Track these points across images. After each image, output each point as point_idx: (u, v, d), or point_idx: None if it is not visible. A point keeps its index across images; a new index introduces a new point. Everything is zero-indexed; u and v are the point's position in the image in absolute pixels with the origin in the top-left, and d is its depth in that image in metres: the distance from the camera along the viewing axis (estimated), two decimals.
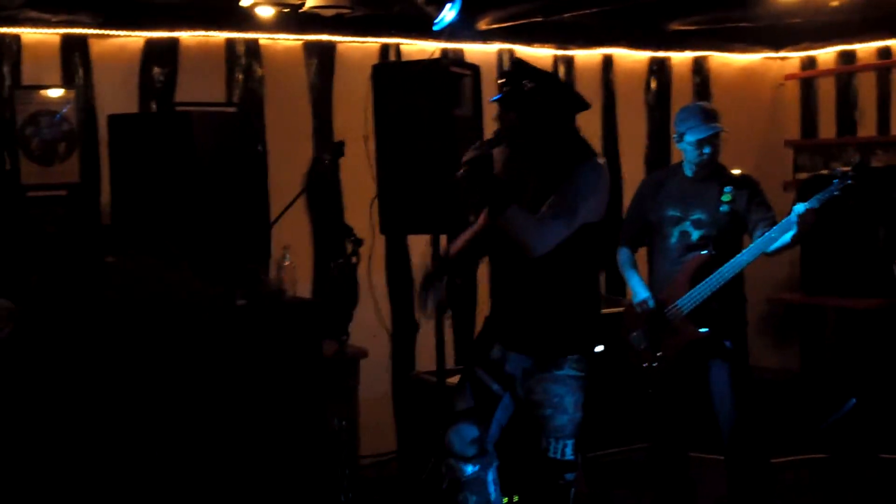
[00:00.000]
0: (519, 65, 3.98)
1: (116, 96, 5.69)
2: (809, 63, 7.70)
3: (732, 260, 4.79)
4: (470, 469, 3.95)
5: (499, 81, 3.92)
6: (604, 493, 5.56)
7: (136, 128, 5.24)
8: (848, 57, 7.43)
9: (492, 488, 3.98)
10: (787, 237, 4.67)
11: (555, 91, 3.91)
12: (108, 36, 5.71)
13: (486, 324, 4.16)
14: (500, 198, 3.72)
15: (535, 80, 3.84)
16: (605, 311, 6.08)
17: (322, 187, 6.04)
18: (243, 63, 6.09)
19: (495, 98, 3.93)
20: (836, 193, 4.69)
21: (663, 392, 5.07)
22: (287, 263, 5.25)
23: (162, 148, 5.01)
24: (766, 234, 4.72)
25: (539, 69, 4.00)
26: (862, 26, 7.02)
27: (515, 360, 3.99)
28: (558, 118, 3.90)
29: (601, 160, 3.96)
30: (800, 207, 4.60)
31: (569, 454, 3.93)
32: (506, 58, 6.82)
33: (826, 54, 7.56)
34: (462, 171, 3.73)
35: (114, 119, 5.24)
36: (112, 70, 5.73)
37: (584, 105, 3.97)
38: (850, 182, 4.70)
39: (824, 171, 7.18)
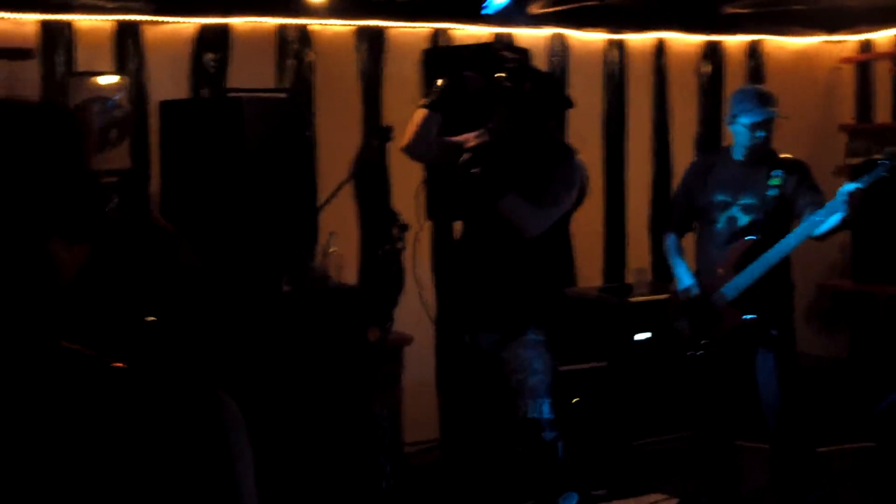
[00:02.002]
0: (523, 65, 4.39)
1: (168, 83, 5.74)
2: (866, 46, 7.59)
3: (778, 244, 4.74)
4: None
5: (500, 75, 4.25)
6: (644, 482, 5.58)
7: (186, 114, 5.31)
8: None
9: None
10: (836, 219, 4.57)
11: (550, 93, 4.34)
12: (161, 22, 5.77)
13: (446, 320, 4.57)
14: (502, 184, 4.14)
15: (534, 83, 4.24)
16: (651, 297, 6.14)
17: (369, 173, 6.07)
18: (294, 49, 6.12)
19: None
20: (883, 174, 4.62)
21: (708, 379, 5.05)
22: (333, 250, 5.29)
23: (212, 134, 5.08)
24: (811, 217, 4.67)
25: (539, 70, 4.56)
26: None
27: (485, 338, 4.38)
28: (547, 118, 4.36)
29: (578, 156, 4.43)
30: (848, 187, 4.53)
31: (546, 412, 4.26)
32: (557, 43, 6.80)
33: (883, 37, 7.45)
34: (466, 157, 4.19)
35: (165, 105, 5.31)
36: (164, 56, 5.78)
37: (568, 104, 4.52)
38: None
39: (877, 156, 7.09)
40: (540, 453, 4.26)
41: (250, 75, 5.86)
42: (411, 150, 4.44)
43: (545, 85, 4.34)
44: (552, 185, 4.24)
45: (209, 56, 5.90)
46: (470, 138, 4.35)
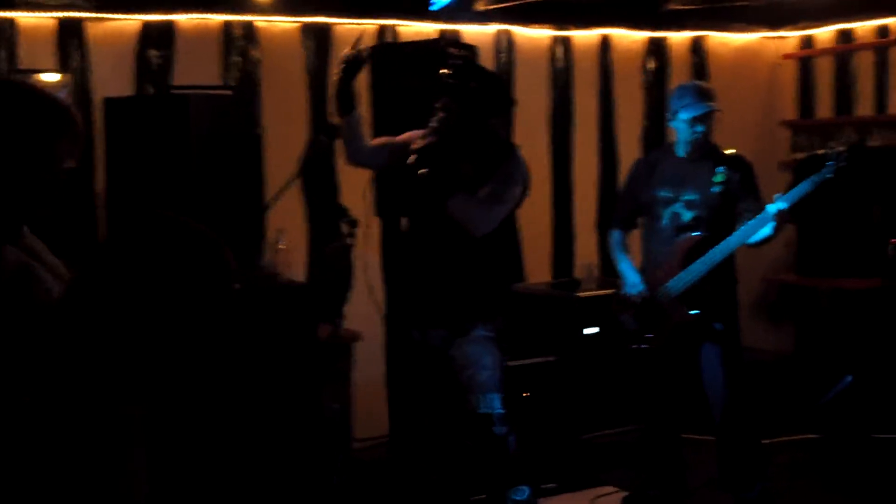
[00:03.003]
0: (468, 63, 4.41)
1: (112, 80, 5.68)
2: (807, 42, 7.68)
3: (721, 243, 4.80)
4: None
5: (445, 72, 4.27)
6: (593, 475, 5.62)
7: (132, 111, 5.26)
8: (846, 36, 7.41)
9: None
10: (767, 231, 4.71)
11: (494, 92, 4.34)
12: (105, 19, 5.70)
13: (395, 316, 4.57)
14: (447, 184, 4.15)
15: (479, 82, 4.26)
16: (599, 292, 6.19)
17: (317, 169, 6.06)
18: (240, 46, 6.08)
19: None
20: (828, 176, 4.72)
21: (654, 374, 5.09)
22: (282, 246, 5.27)
23: (158, 131, 5.04)
24: (743, 227, 4.76)
25: (484, 69, 4.56)
26: (860, 5, 7.01)
27: (434, 334, 4.38)
28: (492, 115, 4.34)
29: (519, 151, 4.43)
30: (772, 208, 4.63)
31: (497, 407, 4.27)
32: (503, 39, 6.82)
33: (824, 33, 7.54)
34: (413, 158, 4.16)
35: (110, 102, 5.26)
36: (108, 54, 5.72)
37: (511, 104, 4.58)
38: (844, 164, 4.72)
39: (820, 151, 7.16)
40: (491, 448, 4.28)
41: (195, 72, 5.82)
42: (351, 161, 4.49)
43: (490, 83, 4.35)
44: (496, 182, 4.26)
45: (153, 53, 5.85)
46: (415, 138, 4.32)
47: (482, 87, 4.26)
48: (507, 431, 4.28)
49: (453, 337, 4.33)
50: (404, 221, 4.61)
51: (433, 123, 4.25)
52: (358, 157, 4.44)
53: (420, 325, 4.43)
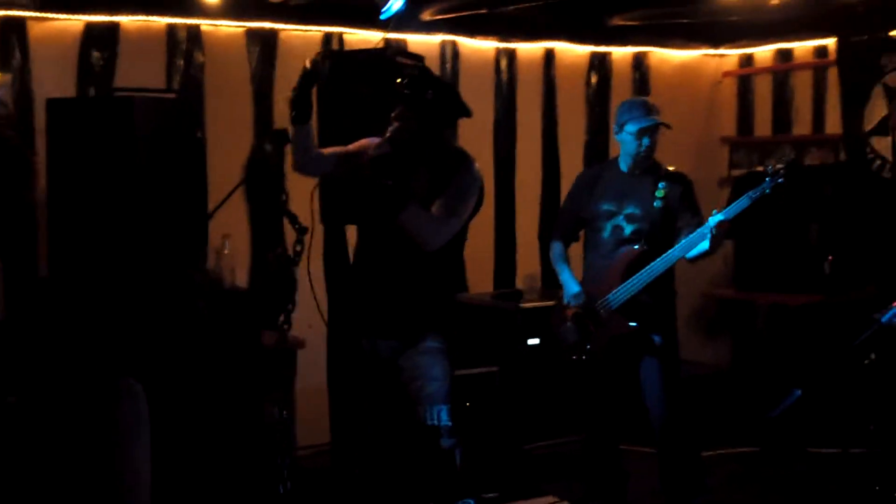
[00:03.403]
0: (424, 73, 4.33)
1: (54, 81, 5.61)
2: (747, 61, 7.80)
3: (662, 257, 4.85)
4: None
5: (401, 82, 4.21)
6: (535, 485, 5.63)
7: (75, 113, 5.19)
8: (785, 55, 7.54)
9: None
10: (705, 245, 4.77)
11: (449, 102, 4.29)
12: (47, 19, 5.63)
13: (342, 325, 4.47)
14: (401, 196, 4.06)
15: (435, 91, 4.20)
16: (541, 303, 6.21)
17: (263, 176, 6.02)
18: (184, 49, 6.04)
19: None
20: (767, 192, 4.79)
21: (594, 385, 5.12)
22: (226, 252, 5.23)
23: (101, 133, 4.97)
24: (682, 241, 4.81)
25: (439, 80, 4.63)
26: (799, 25, 7.12)
27: (384, 345, 4.29)
28: (446, 126, 4.30)
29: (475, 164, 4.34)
30: (712, 221, 4.68)
31: (444, 419, 4.22)
32: (448, 49, 6.84)
33: (763, 52, 7.67)
34: (367, 171, 4.15)
35: (52, 103, 5.18)
36: (50, 54, 5.65)
37: (467, 113, 4.37)
38: (781, 181, 4.79)
39: (759, 168, 7.27)
40: (438, 460, 4.25)
41: (139, 75, 5.75)
42: (300, 169, 4.41)
43: (445, 93, 4.30)
44: (450, 196, 4.17)
45: (96, 54, 5.79)
46: (368, 147, 4.29)
47: (438, 96, 4.20)
48: (454, 444, 4.25)
49: (404, 348, 4.26)
50: (352, 231, 4.57)
51: (388, 134, 4.21)
52: (307, 166, 4.38)
53: (370, 334, 4.34)
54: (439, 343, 4.27)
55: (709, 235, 4.70)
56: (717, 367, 7.15)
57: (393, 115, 4.21)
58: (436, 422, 4.20)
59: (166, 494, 4.12)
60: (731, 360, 7.57)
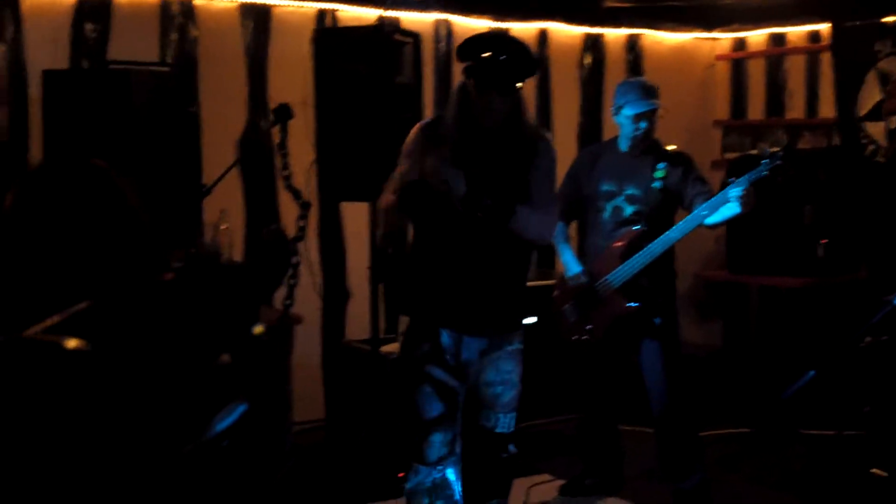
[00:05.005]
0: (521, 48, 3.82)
1: (47, 52, 5.54)
2: (740, 44, 7.81)
3: (663, 235, 4.83)
4: (437, 474, 3.88)
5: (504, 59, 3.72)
6: (530, 463, 5.62)
7: (71, 84, 5.14)
8: (778, 39, 7.55)
9: (456, 486, 3.93)
10: (730, 212, 4.71)
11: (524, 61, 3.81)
12: None
13: (420, 313, 3.95)
14: (506, 208, 3.70)
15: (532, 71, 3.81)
16: (536, 283, 6.18)
17: (259, 151, 6.00)
18: (177, 23, 5.99)
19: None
20: (764, 174, 4.76)
21: (593, 365, 5.12)
22: (224, 227, 5.19)
23: (97, 106, 4.93)
24: (697, 210, 4.78)
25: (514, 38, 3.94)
26: (793, 10, 7.15)
27: (471, 343, 3.91)
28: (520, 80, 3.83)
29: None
30: (737, 191, 4.64)
31: (513, 426, 4.02)
32: (442, 28, 6.81)
33: (757, 36, 7.67)
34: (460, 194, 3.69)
35: (49, 75, 5.13)
36: (43, 26, 5.59)
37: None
38: (779, 163, 4.77)
39: (753, 151, 7.30)
40: (497, 467, 4.02)
41: (132, 48, 5.72)
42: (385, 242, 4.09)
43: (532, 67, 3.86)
44: (542, 181, 3.85)
45: (90, 27, 5.73)
46: (431, 167, 3.74)
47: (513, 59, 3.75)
48: (516, 451, 4.05)
49: (492, 349, 3.92)
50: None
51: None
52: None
53: (461, 327, 3.88)
54: (521, 345, 4.02)
55: (738, 205, 4.61)
56: (708, 349, 7.16)
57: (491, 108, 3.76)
58: (506, 429, 3.99)
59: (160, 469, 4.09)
60: (723, 343, 7.60)
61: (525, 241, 3.91)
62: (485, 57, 3.70)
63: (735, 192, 4.62)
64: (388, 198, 3.83)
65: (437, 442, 3.85)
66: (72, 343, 1.47)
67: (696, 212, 4.77)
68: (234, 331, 4.55)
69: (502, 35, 4.16)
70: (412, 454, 3.87)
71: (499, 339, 3.93)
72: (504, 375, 3.95)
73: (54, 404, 1.49)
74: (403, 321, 4.02)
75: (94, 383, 1.44)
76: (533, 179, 3.83)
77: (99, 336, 2.81)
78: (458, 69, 6.52)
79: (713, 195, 4.76)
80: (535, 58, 3.89)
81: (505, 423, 3.98)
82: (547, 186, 3.90)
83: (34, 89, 5.29)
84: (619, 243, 4.92)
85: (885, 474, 4.74)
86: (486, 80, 3.71)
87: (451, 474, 3.89)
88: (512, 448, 4.02)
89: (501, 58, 3.69)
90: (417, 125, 3.96)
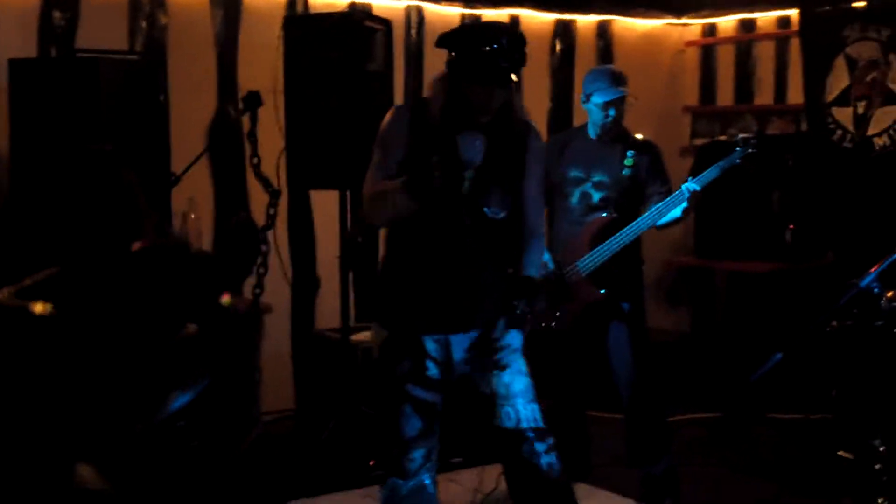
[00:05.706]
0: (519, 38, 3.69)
1: (14, 40, 5.50)
2: (710, 30, 7.83)
3: (631, 224, 4.86)
4: (412, 482, 3.76)
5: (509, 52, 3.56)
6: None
7: (38, 73, 5.12)
8: (748, 25, 7.58)
9: (431, 489, 3.82)
10: (677, 213, 4.79)
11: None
12: None
13: (400, 326, 3.80)
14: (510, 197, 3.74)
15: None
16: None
17: (228, 140, 5.99)
18: (147, 11, 5.97)
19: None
20: (738, 161, 4.82)
21: (562, 351, 5.14)
22: (193, 216, 5.19)
23: (65, 94, 4.92)
24: (654, 207, 4.82)
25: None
26: None
27: (460, 340, 3.80)
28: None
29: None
30: (690, 185, 4.70)
31: (539, 419, 3.83)
32: (413, 15, 6.81)
33: (726, 22, 7.70)
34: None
35: (15, 63, 5.11)
36: (10, 13, 5.56)
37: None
38: (751, 150, 4.81)
39: (722, 137, 7.34)
40: (532, 470, 3.79)
41: (101, 36, 5.69)
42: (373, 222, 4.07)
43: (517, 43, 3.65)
44: (535, 172, 3.81)
45: (58, 15, 5.71)
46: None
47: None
48: (552, 447, 3.79)
49: (485, 340, 3.81)
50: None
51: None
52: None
53: (447, 327, 3.77)
54: (513, 337, 3.88)
55: (684, 203, 4.72)
56: (677, 334, 7.20)
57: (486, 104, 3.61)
58: (533, 423, 3.79)
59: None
60: (691, 328, 7.64)
61: (516, 231, 3.83)
62: (487, 50, 3.51)
63: (685, 189, 4.70)
64: (383, 184, 3.63)
65: (418, 457, 3.75)
66: (38, 307, 1.48)
67: (655, 208, 4.82)
68: (201, 299, 4.56)
69: (499, 25, 4.11)
70: (390, 469, 3.77)
71: (488, 332, 3.82)
72: (508, 363, 3.82)
73: (18, 366, 1.50)
74: (380, 334, 3.84)
75: (58, 348, 1.45)
76: (528, 168, 3.78)
77: (66, 301, 2.82)
78: (430, 57, 6.68)
79: (670, 194, 4.80)
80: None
81: (527, 414, 3.78)
82: (541, 174, 3.89)
83: (1, 78, 5.25)
84: (588, 230, 4.94)
85: (851, 457, 4.78)
86: (487, 73, 3.53)
87: (427, 479, 3.78)
88: (541, 446, 3.77)
89: (503, 49, 3.53)
90: (394, 108, 3.81)
